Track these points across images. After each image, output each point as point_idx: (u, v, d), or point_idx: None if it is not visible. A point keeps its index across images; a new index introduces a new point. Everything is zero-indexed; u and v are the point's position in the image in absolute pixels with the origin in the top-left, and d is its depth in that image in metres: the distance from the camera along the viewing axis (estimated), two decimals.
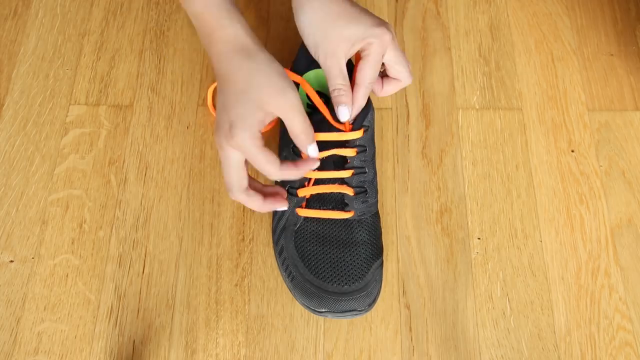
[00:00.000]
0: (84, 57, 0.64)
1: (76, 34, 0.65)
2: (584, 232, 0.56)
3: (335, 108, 0.46)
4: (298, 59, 0.57)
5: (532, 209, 0.57)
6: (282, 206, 0.47)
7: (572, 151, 0.59)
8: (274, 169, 0.42)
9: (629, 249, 0.55)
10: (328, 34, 0.44)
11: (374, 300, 0.49)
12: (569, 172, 0.58)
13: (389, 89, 0.49)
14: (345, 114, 0.46)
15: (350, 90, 0.46)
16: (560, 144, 0.60)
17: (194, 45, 0.64)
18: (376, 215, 0.52)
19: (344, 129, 0.49)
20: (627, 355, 0.51)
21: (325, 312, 0.48)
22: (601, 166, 0.59)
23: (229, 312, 0.52)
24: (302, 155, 0.45)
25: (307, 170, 0.44)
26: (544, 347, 0.51)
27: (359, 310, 0.48)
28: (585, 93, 0.62)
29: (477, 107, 0.61)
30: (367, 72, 0.45)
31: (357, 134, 0.49)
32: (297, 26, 0.46)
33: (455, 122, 0.61)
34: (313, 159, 0.44)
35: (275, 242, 0.53)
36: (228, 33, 0.42)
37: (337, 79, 0.45)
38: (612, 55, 0.65)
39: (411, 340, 0.51)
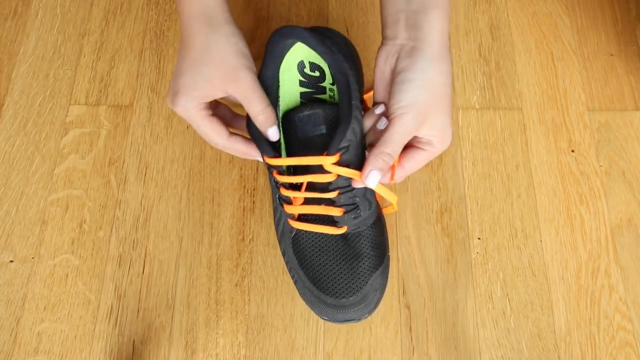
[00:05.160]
0: (84, 57, 0.64)
1: (76, 34, 0.65)
2: (584, 232, 0.56)
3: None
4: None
5: (532, 209, 0.57)
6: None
7: (572, 151, 0.59)
8: (220, 139, 0.42)
9: (629, 249, 0.55)
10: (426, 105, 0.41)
11: (375, 306, 0.48)
12: (569, 172, 0.58)
13: (410, 165, 0.44)
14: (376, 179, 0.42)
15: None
16: (560, 144, 0.60)
17: None
18: (375, 224, 0.49)
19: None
20: (627, 355, 0.51)
21: (326, 318, 0.48)
22: (601, 166, 0.59)
23: (229, 312, 0.52)
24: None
25: (256, 154, 0.44)
26: (544, 347, 0.51)
27: (359, 318, 0.47)
28: (585, 93, 0.62)
29: (477, 107, 0.61)
30: (413, 165, 0.43)
31: (333, 159, 0.42)
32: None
33: (455, 122, 0.61)
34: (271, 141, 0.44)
35: (279, 243, 0.52)
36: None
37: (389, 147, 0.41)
38: (612, 55, 0.65)
39: (411, 340, 0.51)
